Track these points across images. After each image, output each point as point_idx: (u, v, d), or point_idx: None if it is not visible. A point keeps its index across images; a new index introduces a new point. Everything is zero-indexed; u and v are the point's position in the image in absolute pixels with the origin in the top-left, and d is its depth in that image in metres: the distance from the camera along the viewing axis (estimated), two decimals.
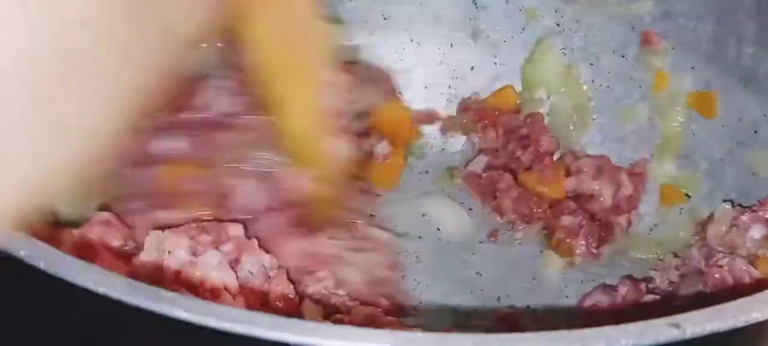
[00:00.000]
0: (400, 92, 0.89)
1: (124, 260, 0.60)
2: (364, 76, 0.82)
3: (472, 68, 0.92)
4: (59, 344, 0.47)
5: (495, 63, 0.92)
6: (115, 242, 0.62)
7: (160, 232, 0.60)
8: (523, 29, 0.91)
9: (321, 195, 0.67)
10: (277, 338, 0.39)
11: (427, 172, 0.88)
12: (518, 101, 0.90)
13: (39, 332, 0.47)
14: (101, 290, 0.40)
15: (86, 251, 0.60)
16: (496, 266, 0.80)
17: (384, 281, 0.70)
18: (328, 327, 0.40)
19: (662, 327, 0.42)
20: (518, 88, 0.90)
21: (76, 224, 0.65)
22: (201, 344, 0.42)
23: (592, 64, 0.89)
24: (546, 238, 0.82)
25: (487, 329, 0.72)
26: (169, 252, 0.58)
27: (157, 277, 0.57)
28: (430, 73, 0.92)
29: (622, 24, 0.87)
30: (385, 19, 0.92)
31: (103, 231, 0.63)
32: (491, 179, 0.85)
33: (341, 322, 0.63)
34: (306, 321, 0.40)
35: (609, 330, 0.41)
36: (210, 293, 0.57)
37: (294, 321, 0.40)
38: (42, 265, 0.40)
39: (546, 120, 0.88)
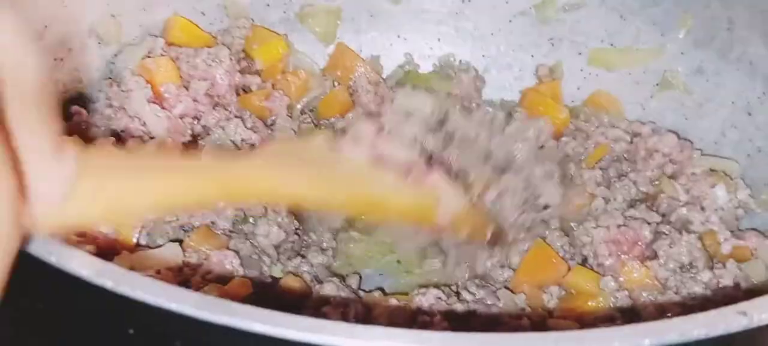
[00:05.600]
0: None
1: None
2: None
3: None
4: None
5: (483, 56, 0.91)
6: None
7: None
8: (510, 21, 0.90)
9: None
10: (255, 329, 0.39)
11: None
12: None
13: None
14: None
15: None
16: None
17: None
18: (302, 320, 0.39)
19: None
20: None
21: None
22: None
23: (580, 53, 0.88)
24: None
25: None
26: None
27: None
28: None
29: (611, 12, 0.86)
30: (371, 16, 0.91)
31: None
32: None
33: None
34: (279, 313, 0.39)
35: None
36: None
37: (266, 312, 0.39)
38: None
39: None
